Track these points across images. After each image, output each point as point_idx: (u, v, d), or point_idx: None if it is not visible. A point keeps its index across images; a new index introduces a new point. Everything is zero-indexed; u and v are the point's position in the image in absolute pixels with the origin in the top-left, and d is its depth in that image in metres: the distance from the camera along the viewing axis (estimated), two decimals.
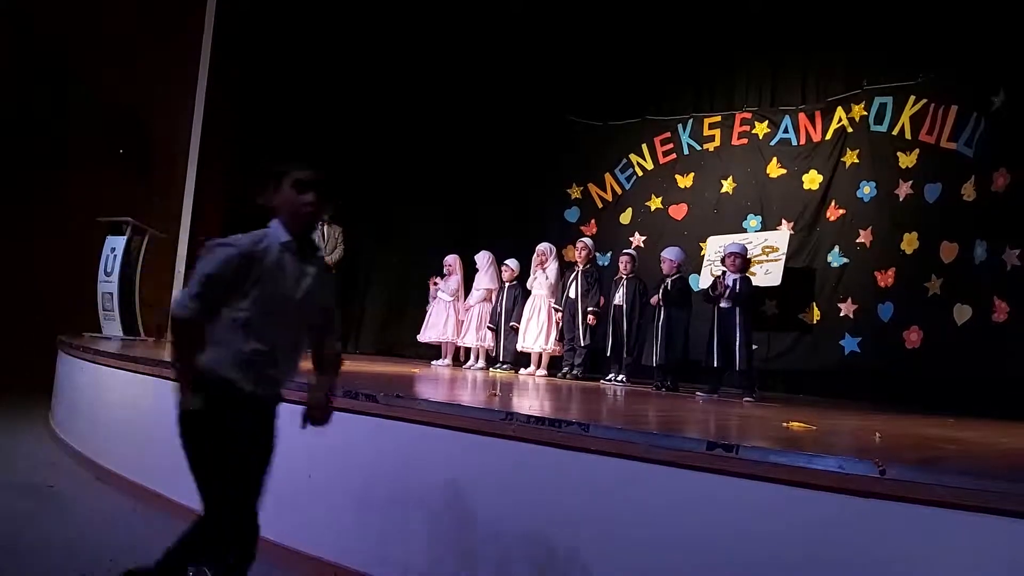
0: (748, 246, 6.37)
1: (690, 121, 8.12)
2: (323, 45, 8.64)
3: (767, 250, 6.88)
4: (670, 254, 6.36)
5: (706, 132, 8.01)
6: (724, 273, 5.80)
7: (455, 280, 7.63)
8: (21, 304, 7.69)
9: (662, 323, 6.15)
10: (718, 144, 7.94)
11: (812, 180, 7.28)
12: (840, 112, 7.19)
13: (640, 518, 2.23)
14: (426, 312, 7.79)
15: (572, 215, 8.65)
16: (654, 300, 6.19)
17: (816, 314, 7.00)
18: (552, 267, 7.07)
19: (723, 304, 5.64)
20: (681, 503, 2.19)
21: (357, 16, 8.70)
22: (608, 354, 6.59)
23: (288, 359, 2.11)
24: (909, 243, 6.48)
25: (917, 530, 1.85)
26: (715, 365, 5.64)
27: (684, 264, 6.52)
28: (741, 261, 5.77)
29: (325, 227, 8.03)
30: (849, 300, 6.81)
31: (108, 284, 7.06)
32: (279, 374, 2.10)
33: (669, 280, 6.22)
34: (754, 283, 5.99)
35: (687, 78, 8.24)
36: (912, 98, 6.69)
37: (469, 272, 7.69)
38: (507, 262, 7.29)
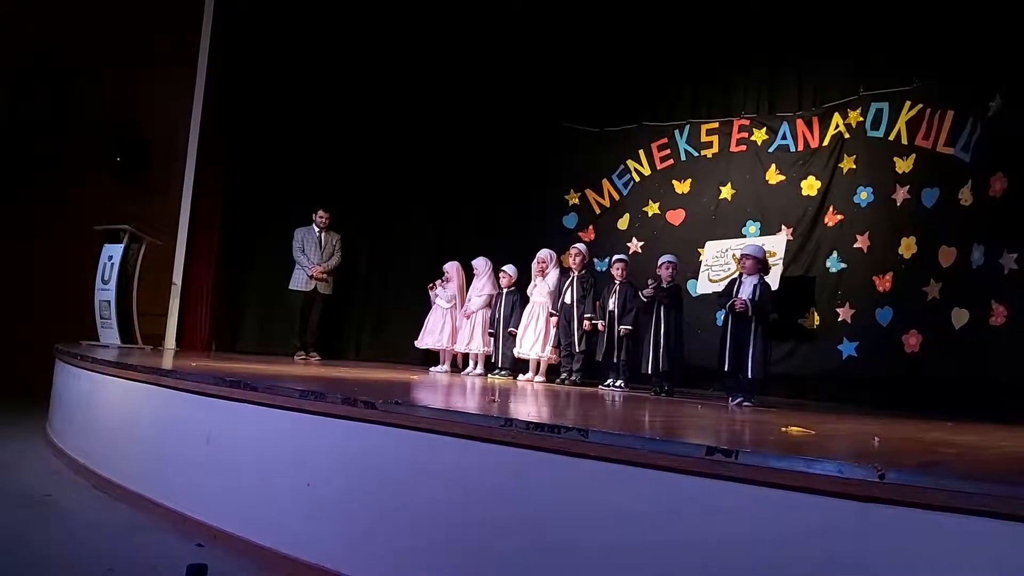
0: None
1: (687, 127, 8.13)
2: (322, 50, 8.66)
3: (765, 255, 6.88)
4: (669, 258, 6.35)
5: (704, 138, 8.01)
6: (740, 275, 5.58)
7: (453, 287, 7.63)
8: (18, 312, 7.68)
9: (655, 331, 6.12)
10: (716, 150, 7.94)
11: (810, 186, 7.29)
12: (837, 118, 7.20)
13: (639, 524, 2.23)
14: (424, 318, 7.79)
15: (570, 221, 8.66)
16: (648, 292, 6.09)
17: (815, 319, 7.00)
18: (552, 274, 7.04)
19: (737, 309, 5.34)
20: (680, 508, 2.18)
21: (355, 21, 8.73)
22: (604, 360, 6.57)
23: None
24: (907, 248, 6.49)
25: (917, 534, 1.84)
26: (726, 370, 5.45)
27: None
28: (756, 263, 5.53)
29: (323, 234, 8.05)
30: (847, 305, 6.81)
31: (105, 292, 7.06)
32: None
33: (663, 285, 6.19)
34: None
35: (684, 84, 8.27)
36: (908, 103, 6.70)
37: (468, 280, 7.69)
38: (505, 268, 7.28)
